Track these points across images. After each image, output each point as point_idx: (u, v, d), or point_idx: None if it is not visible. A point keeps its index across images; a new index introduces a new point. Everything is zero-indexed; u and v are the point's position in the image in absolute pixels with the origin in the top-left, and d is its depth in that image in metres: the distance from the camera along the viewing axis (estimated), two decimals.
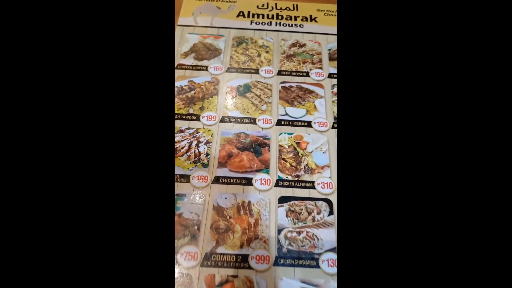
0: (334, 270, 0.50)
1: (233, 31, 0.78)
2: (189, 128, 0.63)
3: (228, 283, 0.48)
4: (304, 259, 0.50)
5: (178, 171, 0.58)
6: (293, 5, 0.84)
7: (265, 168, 0.59)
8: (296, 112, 0.66)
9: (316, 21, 0.81)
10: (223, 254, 0.50)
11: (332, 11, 0.82)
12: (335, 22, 0.81)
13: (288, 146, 0.62)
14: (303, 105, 0.67)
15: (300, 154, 0.61)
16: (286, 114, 0.66)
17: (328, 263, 0.50)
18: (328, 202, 0.56)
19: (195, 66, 0.72)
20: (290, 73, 0.72)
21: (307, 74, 0.72)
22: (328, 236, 0.53)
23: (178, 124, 0.63)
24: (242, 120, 0.64)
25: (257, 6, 0.83)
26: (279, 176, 0.58)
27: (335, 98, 0.68)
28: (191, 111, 0.65)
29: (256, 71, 0.72)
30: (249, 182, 0.57)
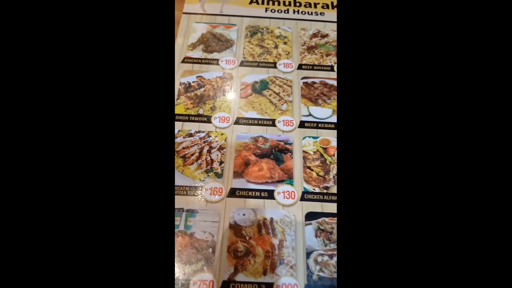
0: None
1: (246, 20, 0.71)
2: (199, 132, 0.56)
3: None
4: None
5: (188, 182, 0.51)
6: None
7: (288, 178, 0.52)
8: (321, 112, 0.59)
9: None
10: (244, 283, 0.43)
11: None
12: None
13: (314, 152, 0.55)
14: (328, 104, 0.60)
15: (328, 162, 0.54)
16: (310, 114, 0.59)
17: None
18: None
19: (204, 59, 0.65)
20: (312, 67, 0.65)
21: (331, 68, 0.64)
22: None
23: (187, 126, 0.56)
24: (259, 121, 0.57)
25: None
26: (304, 188, 0.51)
27: None
28: (201, 111, 0.58)
29: (274, 65, 0.64)
30: (270, 195, 0.50)
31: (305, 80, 0.63)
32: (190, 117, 0.57)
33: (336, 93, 0.61)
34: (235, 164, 0.53)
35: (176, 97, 0.59)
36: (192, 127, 0.56)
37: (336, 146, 0.55)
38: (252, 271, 0.44)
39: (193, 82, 0.62)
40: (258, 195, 0.50)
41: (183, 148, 0.54)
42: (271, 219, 0.48)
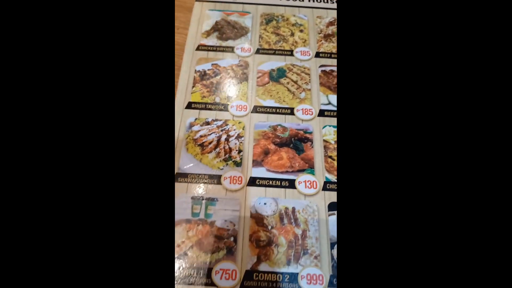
0: None
1: (260, 7, 0.70)
2: (216, 120, 0.55)
3: None
4: None
5: (207, 170, 0.50)
6: None
7: (309, 167, 0.51)
8: None
9: None
10: (267, 273, 0.43)
11: None
12: None
13: (335, 141, 0.54)
14: None
15: None
16: (329, 103, 0.58)
17: None
18: None
19: (219, 47, 0.64)
20: (330, 55, 0.64)
21: None
22: None
23: (204, 115, 0.56)
24: (278, 110, 0.57)
25: None
26: (326, 178, 0.51)
27: None
28: (217, 99, 0.57)
29: (291, 53, 0.64)
30: (291, 184, 0.50)
31: (323, 68, 0.62)
32: (207, 105, 0.57)
33: None
34: (254, 153, 0.52)
35: (192, 85, 0.59)
36: (209, 115, 0.56)
37: None
38: (276, 261, 0.44)
39: (208, 70, 0.61)
40: (279, 184, 0.50)
41: (201, 136, 0.53)
42: (293, 208, 0.48)
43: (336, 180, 0.50)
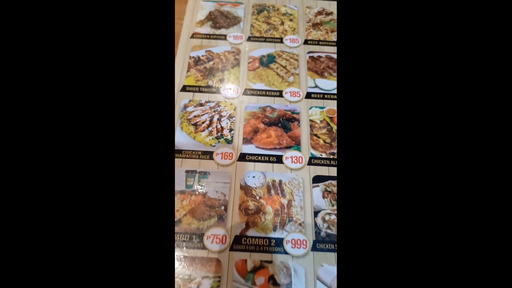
0: None
1: None
2: (209, 102, 0.60)
3: (262, 269, 0.45)
4: None
5: (200, 147, 0.54)
6: None
7: (296, 144, 0.56)
8: (327, 84, 0.63)
9: None
10: (255, 238, 0.47)
11: None
12: None
13: (321, 121, 0.58)
14: (334, 76, 0.64)
15: (334, 130, 0.58)
16: (316, 86, 0.63)
17: None
18: None
19: (212, 35, 0.68)
20: (317, 42, 0.68)
21: (336, 44, 0.68)
22: None
23: (197, 97, 0.60)
24: (267, 93, 0.61)
25: None
26: (312, 154, 0.55)
27: None
28: (210, 83, 0.62)
29: (280, 40, 0.68)
30: (279, 159, 0.54)
31: (311, 54, 0.67)
32: (201, 88, 0.61)
33: None
34: (244, 131, 0.57)
35: (186, 69, 0.63)
36: (202, 97, 0.60)
37: None
38: (263, 227, 0.48)
39: (202, 56, 0.65)
40: (267, 159, 0.54)
41: (194, 116, 0.58)
42: (280, 181, 0.52)
43: (320, 156, 0.55)
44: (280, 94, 0.61)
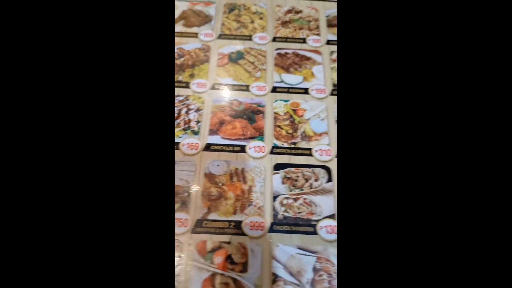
0: (333, 236, 0.50)
1: None
2: (178, 96, 0.63)
3: (220, 250, 0.48)
4: (302, 225, 0.51)
5: None
6: None
7: (259, 135, 0.59)
8: (293, 79, 0.67)
9: None
10: (215, 221, 0.51)
11: None
12: None
13: (284, 113, 0.62)
14: (299, 71, 0.68)
15: (296, 122, 0.61)
16: (282, 81, 0.66)
17: (327, 230, 0.51)
18: (327, 169, 0.56)
19: (184, 33, 0.72)
20: (285, 39, 0.72)
21: (303, 41, 0.72)
22: (327, 202, 0.53)
23: None
24: (234, 87, 0.65)
25: None
26: (274, 144, 0.59)
27: (334, 65, 0.69)
28: (180, 78, 0.65)
29: (249, 38, 0.72)
30: (242, 149, 0.58)
31: (278, 51, 0.70)
32: None
33: (307, 62, 0.69)
34: (211, 123, 0.60)
35: None
36: None
37: (304, 108, 0.63)
38: (224, 211, 0.52)
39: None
40: (232, 149, 0.58)
41: None
42: (243, 169, 0.56)
43: (282, 145, 0.58)
44: (247, 88, 0.65)
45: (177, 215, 0.51)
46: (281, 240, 0.50)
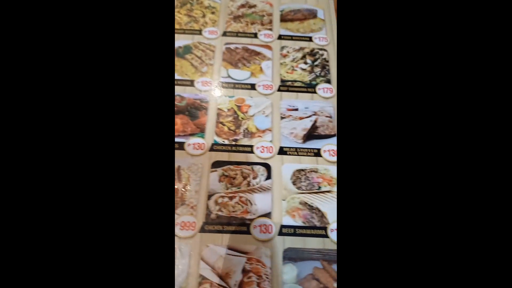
0: (266, 236, 0.49)
1: None
2: None
3: None
4: (235, 225, 0.50)
5: None
6: None
7: (200, 132, 0.58)
8: (240, 75, 0.65)
9: None
10: None
11: None
12: None
13: (228, 109, 0.61)
14: (248, 67, 0.66)
15: (240, 118, 0.60)
16: (228, 76, 0.65)
17: (261, 229, 0.49)
18: (267, 166, 0.55)
19: None
20: (236, 34, 0.71)
21: (255, 36, 0.71)
22: (263, 201, 0.52)
23: None
24: (178, 82, 0.63)
25: None
26: (215, 141, 0.57)
27: (283, 60, 0.68)
28: None
29: (199, 32, 0.71)
30: (181, 146, 0.56)
31: (228, 46, 0.69)
32: None
33: (256, 57, 0.68)
34: None
35: None
36: None
37: (249, 104, 0.62)
38: None
39: None
40: None
41: None
42: (179, 167, 0.54)
43: (223, 142, 0.57)
44: (191, 83, 0.63)
45: None
46: (212, 240, 0.48)
